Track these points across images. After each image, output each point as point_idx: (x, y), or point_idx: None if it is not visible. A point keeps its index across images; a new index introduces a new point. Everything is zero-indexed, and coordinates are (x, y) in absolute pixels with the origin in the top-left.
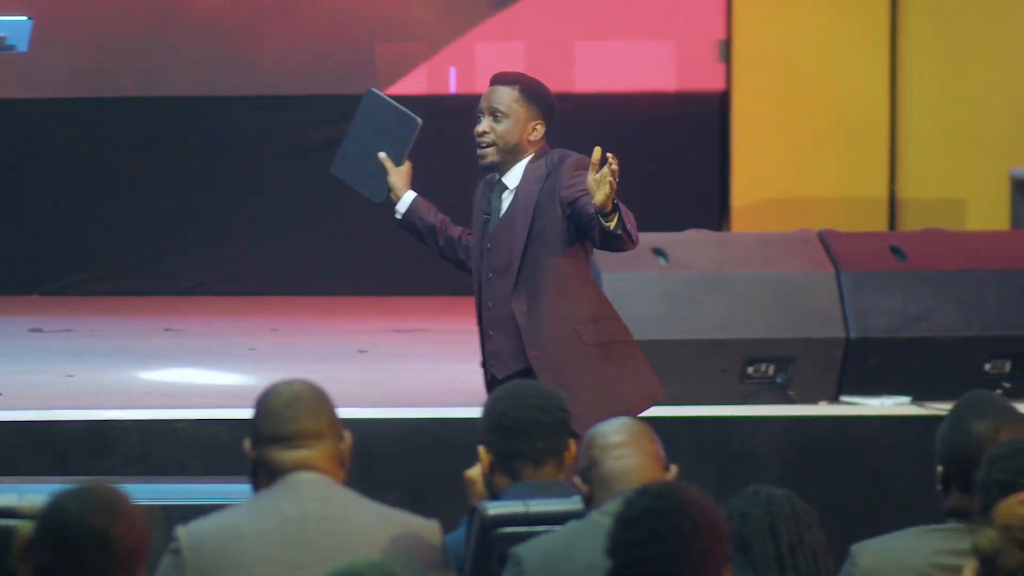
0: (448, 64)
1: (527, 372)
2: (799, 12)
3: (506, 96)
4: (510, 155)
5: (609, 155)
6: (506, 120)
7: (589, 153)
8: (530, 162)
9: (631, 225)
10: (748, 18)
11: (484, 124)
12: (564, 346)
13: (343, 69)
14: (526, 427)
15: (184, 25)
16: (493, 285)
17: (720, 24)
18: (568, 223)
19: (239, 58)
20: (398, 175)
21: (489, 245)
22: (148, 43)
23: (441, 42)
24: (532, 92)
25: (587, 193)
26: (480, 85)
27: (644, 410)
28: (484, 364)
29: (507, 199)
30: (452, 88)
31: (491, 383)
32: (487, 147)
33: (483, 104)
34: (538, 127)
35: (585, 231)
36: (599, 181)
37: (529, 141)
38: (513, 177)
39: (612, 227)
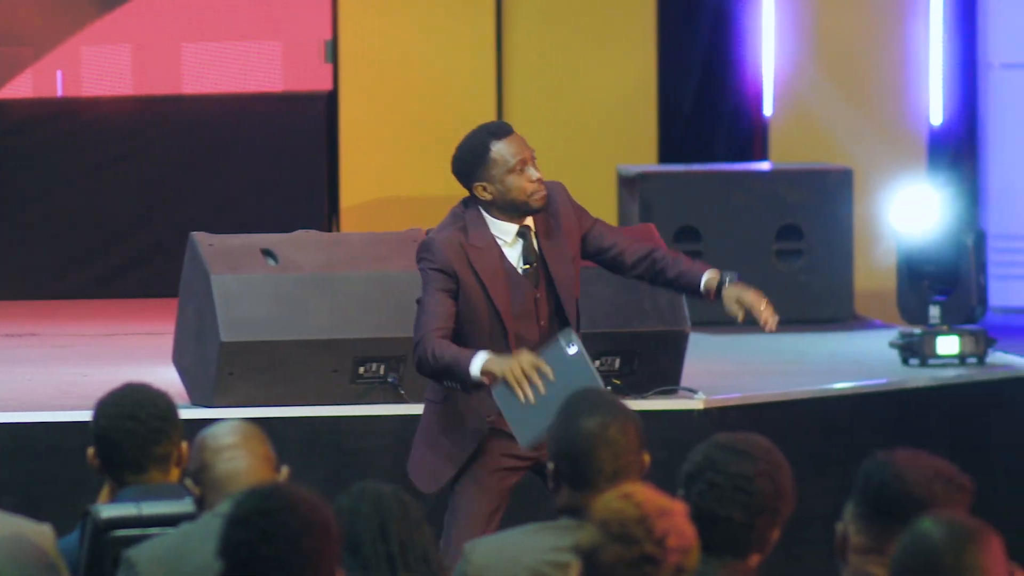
0: (54, 67)
1: None
2: (404, 12)
3: None
4: None
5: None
6: None
7: None
8: None
9: None
10: (353, 19)
11: (535, 171)
12: None
13: None
14: (113, 436)
15: None
16: (545, 328)
17: (326, 25)
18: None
19: None
20: None
21: (539, 295)
22: None
23: (47, 45)
24: None
25: (639, 247)
26: (87, 88)
27: None
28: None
29: (535, 243)
30: (59, 91)
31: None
32: (542, 191)
33: (526, 153)
34: None
35: (640, 276)
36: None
37: None
38: (528, 221)
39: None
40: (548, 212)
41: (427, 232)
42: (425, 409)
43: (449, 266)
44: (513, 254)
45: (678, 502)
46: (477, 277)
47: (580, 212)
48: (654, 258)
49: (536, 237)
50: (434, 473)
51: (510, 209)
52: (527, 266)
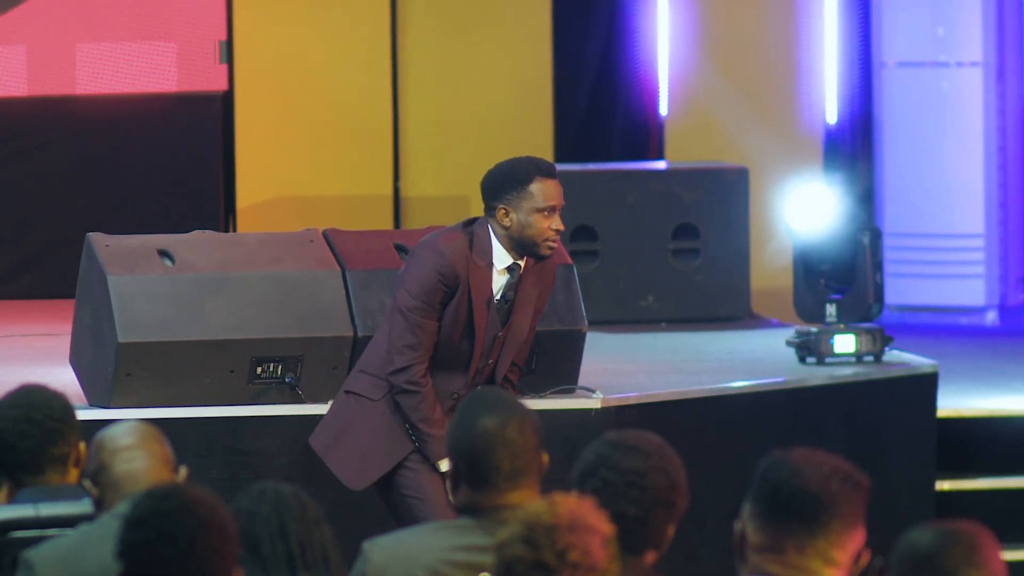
0: None
1: None
2: (300, 13)
3: None
4: None
5: None
6: None
7: None
8: None
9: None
10: (248, 19)
11: (560, 222)
12: None
13: None
14: (8, 437)
15: None
16: (491, 368)
17: (221, 25)
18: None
19: None
20: None
21: (502, 334)
22: None
23: None
24: None
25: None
26: None
27: None
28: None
29: (516, 284)
30: None
31: None
32: (556, 243)
33: (559, 201)
34: None
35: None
36: None
37: None
38: (523, 261)
39: None
40: (542, 266)
41: (435, 232)
42: (352, 404)
43: (453, 274)
44: (496, 284)
45: (606, 524)
46: (469, 295)
47: (549, 292)
48: (508, 376)
49: (521, 278)
50: (369, 469)
51: (518, 244)
52: (504, 302)
